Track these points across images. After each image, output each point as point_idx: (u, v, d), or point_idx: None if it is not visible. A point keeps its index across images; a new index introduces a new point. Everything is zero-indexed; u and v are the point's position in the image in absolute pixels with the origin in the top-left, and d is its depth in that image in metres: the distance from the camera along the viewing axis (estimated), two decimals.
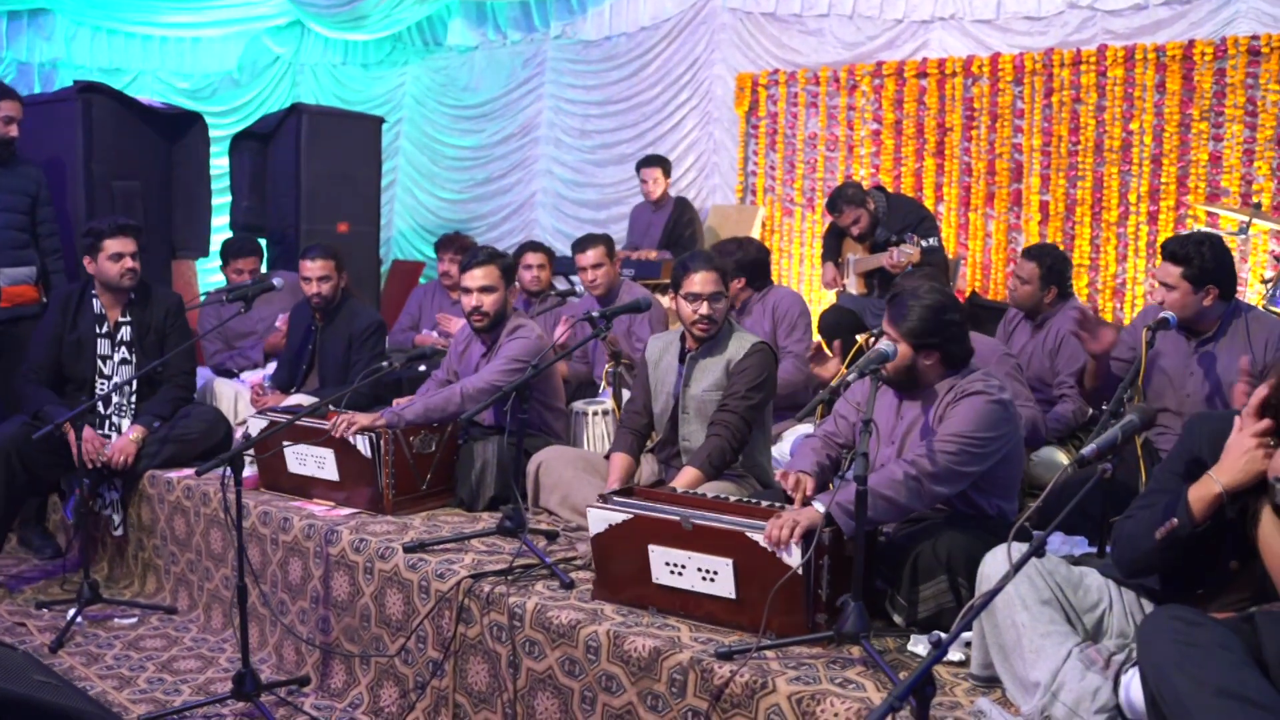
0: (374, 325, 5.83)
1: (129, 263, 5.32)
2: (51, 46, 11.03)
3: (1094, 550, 4.02)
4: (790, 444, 5.30)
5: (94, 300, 5.38)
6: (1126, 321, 7.20)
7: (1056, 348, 5.48)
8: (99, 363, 5.36)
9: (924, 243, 6.63)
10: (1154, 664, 2.37)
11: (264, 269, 7.35)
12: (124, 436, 5.23)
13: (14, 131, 5.68)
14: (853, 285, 7.13)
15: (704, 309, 4.34)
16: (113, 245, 5.26)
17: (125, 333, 5.37)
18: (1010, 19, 8.00)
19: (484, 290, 4.94)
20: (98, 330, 5.36)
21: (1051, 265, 5.55)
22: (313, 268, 5.74)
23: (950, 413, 3.52)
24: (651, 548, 3.52)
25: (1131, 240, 7.50)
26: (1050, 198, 7.83)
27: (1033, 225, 7.88)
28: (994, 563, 2.98)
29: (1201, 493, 2.60)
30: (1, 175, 5.72)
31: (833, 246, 7.38)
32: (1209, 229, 6.80)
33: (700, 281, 4.33)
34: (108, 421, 5.32)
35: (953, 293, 4.77)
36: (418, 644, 4.00)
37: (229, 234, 8.39)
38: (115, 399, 5.32)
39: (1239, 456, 2.57)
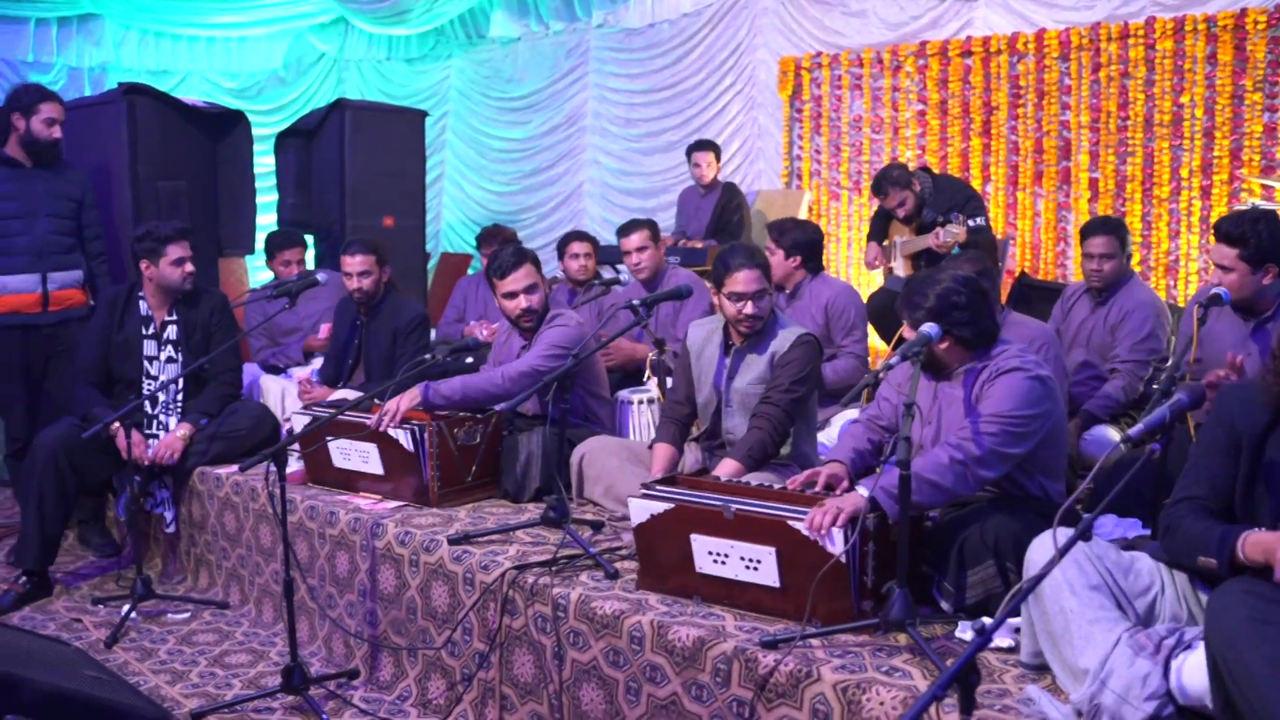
0: (418, 319, 5.83)
1: (189, 266, 5.40)
2: (100, 51, 11.18)
3: (1148, 533, 3.95)
4: (838, 430, 5.26)
5: (141, 301, 5.43)
6: (1181, 301, 7.08)
7: (1119, 322, 5.38)
8: (146, 363, 5.41)
9: (971, 222, 6.55)
10: (1224, 639, 2.31)
11: (310, 260, 7.38)
12: (171, 433, 5.28)
13: (56, 133, 5.71)
14: (900, 267, 7.07)
15: (749, 308, 4.30)
16: (175, 250, 5.34)
17: (172, 332, 5.42)
18: None
19: (529, 290, 4.90)
20: (145, 331, 5.42)
21: (1124, 234, 5.47)
22: (353, 263, 5.76)
23: (988, 392, 3.46)
24: (694, 537, 3.49)
25: (1184, 216, 7.37)
26: (1100, 175, 7.70)
27: (1082, 203, 7.76)
28: (1041, 547, 2.93)
29: (1255, 550, 2.54)
30: (47, 179, 5.77)
31: (879, 228, 7.32)
32: (1264, 203, 6.67)
33: (744, 280, 4.27)
34: (155, 420, 5.38)
35: (974, 274, 4.67)
36: (464, 636, 4.00)
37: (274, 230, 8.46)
38: (163, 397, 5.37)
39: None
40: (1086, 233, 5.52)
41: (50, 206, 5.72)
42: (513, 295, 4.90)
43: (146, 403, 5.33)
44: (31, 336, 5.73)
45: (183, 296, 5.44)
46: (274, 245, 6.93)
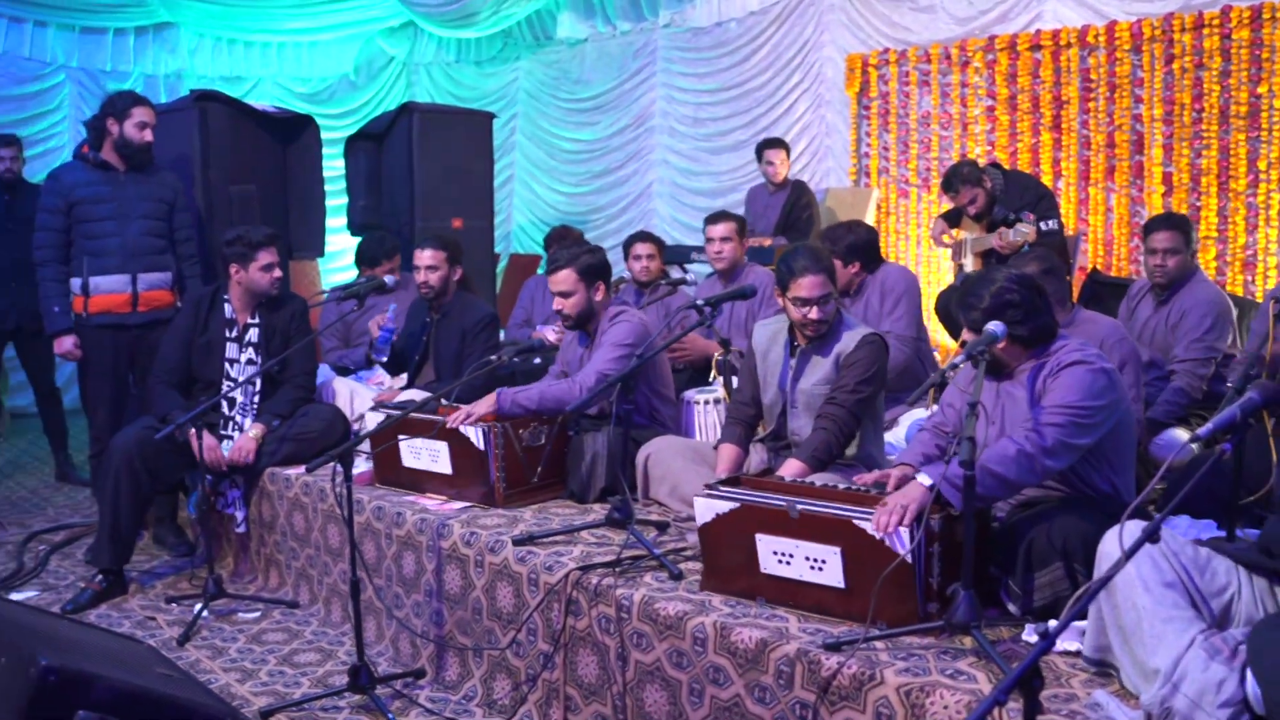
0: (487, 319, 5.86)
1: (277, 272, 5.54)
2: (176, 59, 11.37)
3: (1223, 534, 3.87)
4: (906, 430, 5.21)
5: (225, 303, 5.54)
6: (1259, 297, 6.93)
7: (1179, 321, 5.28)
8: (226, 365, 5.51)
9: (1043, 225, 6.46)
10: (1268, 680, 2.26)
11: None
12: (244, 435, 5.36)
13: (148, 136, 5.84)
14: (970, 264, 6.99)
15: (814, 314, 4.27)
16: (265, 256, 5.47)
17: (253, 334, 5.52)
18: None
19: (562, 295, 4.96)
20: (228, 333, 5.52)
21: (1189, 230, 5.37)
22: (422, 257, 5.82)
23: (1051, 385, 3.42)
24: (759, 536, 3.48)
25: (1262, 210, 7.20)
26: (1174, 169, 7.55)
27: (1155, 198, 7.62)
28: (1113, 542, 2.87)
29: None
30: (140, 183, 5.90)
31: (952, 219, 7.26)
32: None
33: (809, 286, 4.25)
34: (231, 421, 5.46)
35: (1038, 272, 4.60)
36: (528, 636, 4.01)
37: (345, 234, 8.54)
38: (240, 398, 5.46)
39: None
40: (1150, 228, 5.43)
41: (142, 209, 5.85)
42: (555, 295, 4.99)
43: (223, 403, 5.42)
44: (121, 337, 5.88)
45: (266, 300, 5.54)
46: (376, 255, 6.95)
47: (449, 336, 5.85)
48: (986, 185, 6.77)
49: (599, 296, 4.99)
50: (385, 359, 6.15)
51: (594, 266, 4.96)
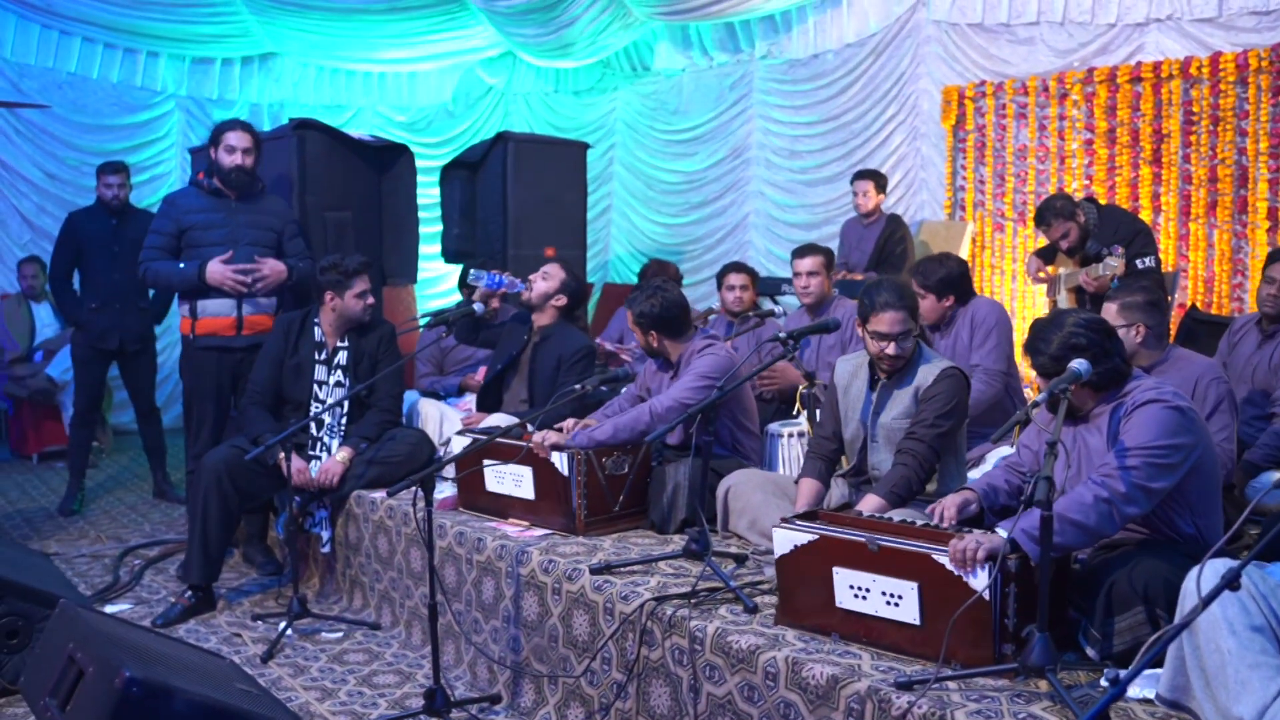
0: (584, 350, 5.88)
1: (370, 299, 5.68)
2: (280, 88, 11.66)
3: None
4: (992, 465, 5.13)
5: (316, 327, 5.65)
6: None
7: None
8: (316, 387, 5.61)
9: (1139, 262, 6.33)
10: None
11: None
12: (332, 458, 5.46)
13: (236, 160, 5.93)
14: (1064, 300, 6.87)
15: (891, 349, 4.25)
16: (359, 284, 5.63)
17: (342, 358, 5.63)
18: (1234, 16, 7.58)
19: (634, 331, 5.17)
20: (317, 356, 5.64)
21: None
22: (546, 267, 5.98)
23: (1126, 426, 3.35)
24: (836, 570, 3.45)
25: None
26: (1279, 204, 7.37)
27: (1260, 234, 7.44)
28: (1194, 583, 2.79)
29: None
30: (249, 210, 6.04)
31: (1047, 255, 7.15)
32: None
33: (889, 321, 4.23)
34: (319, 443, 5.56)
35: (1145, 302, 4.53)
36: (603, 665, 4.01)
37: (439, 261, 8.65)
38: (327, 420, 5.56)
39: None
40: (1271, 259, 5.32)
41: (250, 235, 5.99)
42: None
43: (312, 425, 5.52)
44: (225, 359, 6.02)
45: (356, 325, 5.64)
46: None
47: (546, 361, 5.89)
48: (1080, 220, 6.66)
49: (655, 343, 5.13)
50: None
51: (647, 316, 5.09)
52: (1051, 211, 6.72)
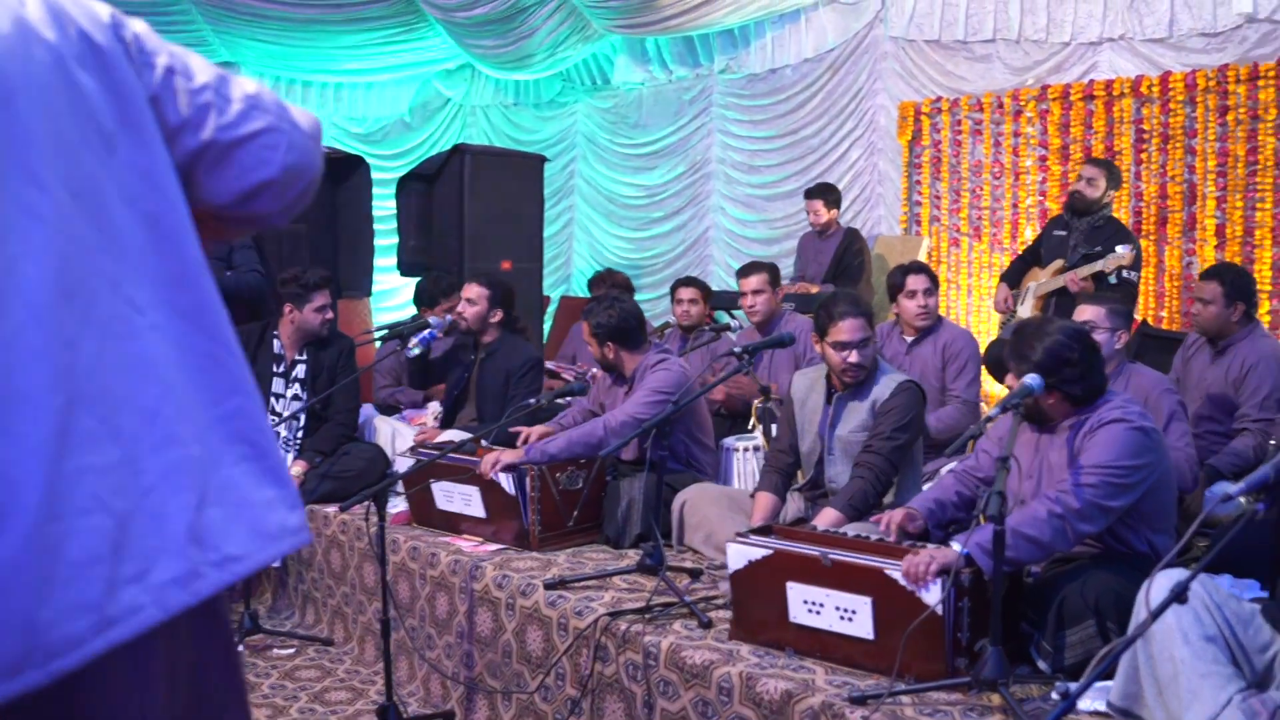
0: (531, 362, 5.89)
1: (329, 314, 5.67)
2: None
3: (1265, 595, 3.79)
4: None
5: (275, 340, 5.62)
6: None
7: (1241, 376, 5.19)
8: (273, 400, 5.57)
9: (1126, 273, 6.39)
10: None
11: None
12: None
13: None
14: (1028, 309, 6.88)
15: (852, 357, 4.27)
16: (319, 298, 5.61)
17: (300, 371, 5.60)
18: (1184, 37, 7.68)
19: (586, 343, 5.19)
20: (275, 369, 5.59)
21: (1233, 281, 5.28)
22: (467, 289, 5.96)
23: (1089, 444, 3.36)
24: (790, 585, 3.45)
25: None
26: (1227, 221, 7.46)
27: (1208, 250, 7.52)
28: (1152, 593, 2.81)
29: None
30: None
31: (1017, 271, 7.17)
32: None
33: (849, 330, 4.25)
34: None
35: (1120, 311, 4.57)
36: (557, 681, 3.99)
37: (395, 274, 8.61)
38: (283, 433, 5.51)
39: None
40: (1202, 277, 5.41)
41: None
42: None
43: None
44: None
45: (314, 339, 5.61)
46: (436, 293, 6.95)
47: (493, 377, 5.88)
48: (1111, 184, 6.68)
49: (611, 355, 5.09)
50: (412, 356, 6.10)
51: (604, 327, 5.07)
52: (1106, 163, 6.81)
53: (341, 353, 5.71)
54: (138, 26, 1.49)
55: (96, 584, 1.22)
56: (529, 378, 5.85)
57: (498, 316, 5.89)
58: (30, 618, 1.17)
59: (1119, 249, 6.28)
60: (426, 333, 5.88)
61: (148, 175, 1.41)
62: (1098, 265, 6.31)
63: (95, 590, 1.22)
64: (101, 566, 1.23)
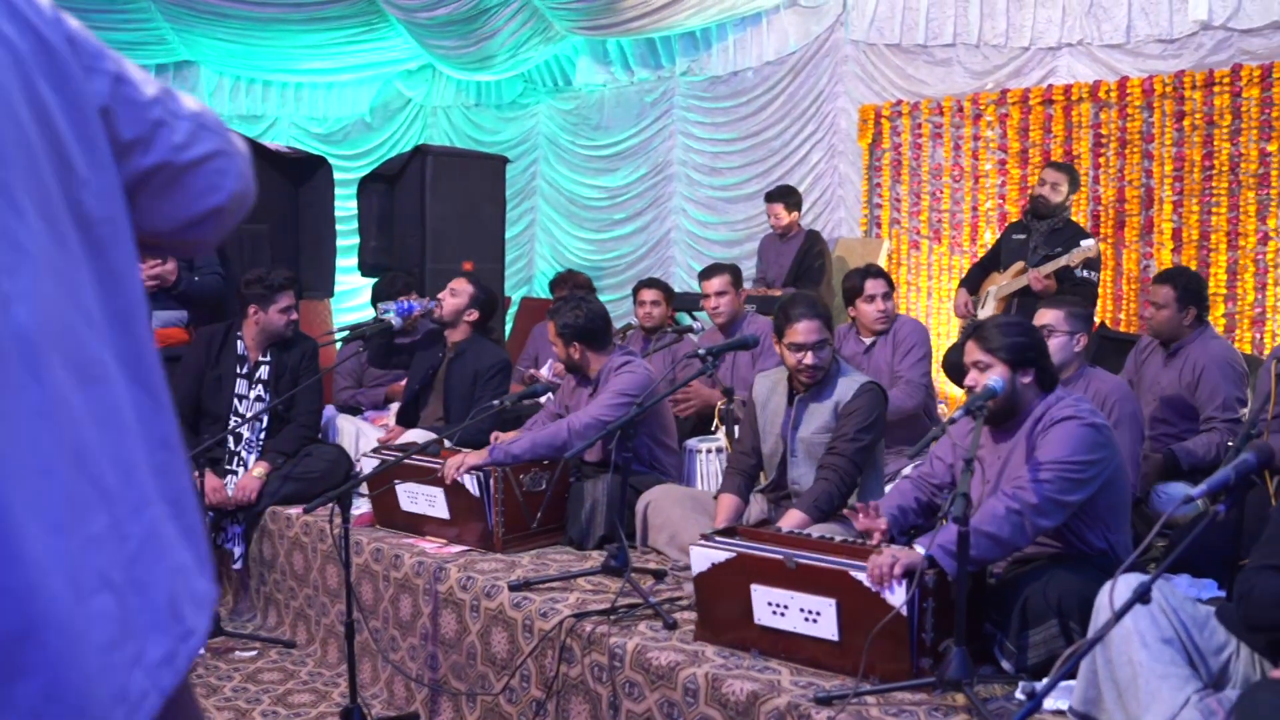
0: (500, 364, 5.89)
1: (294, 315, 5.64)
2: (195, 97, 11.44)
3: (1224, 594, 3.85)
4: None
5: (238, 340, 5.59)
6: (1267, 354, 6.90)
7: (1194, 380, 5.26)
8: (236, 401, 5.54)
9: (1087, 272, 6.46)
10: None
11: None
12: (248, 474, 5.38)
13: None
14: (989, 311, 6.93)
15: (809, 359, 4.30)
16: (283, 299, 5.57)
17: (264, 372, 5.57)
18: (1141, 43, 7.77)
19: (554, 344, 5.16)
20: (239, 370, 5.57)
21: (1186, 285, 5.34)
22: (455, 281, 5.98)
23: (1043, 441, 3.42)
24: (754, 587, 3.46)
25: (1271, 268, 7.19)
26: (1183, 225, 7.55)
27: (1165, 254, 7.61)
28: (1108, 598, 2.84)
29: None
30: None
31: (976, 277, 7.23)
32: None
33: (804, 331, 4.28)
34: (236, 457, 5.48)
35: (1081, 313, 4.63)
36: (522, 683, 3.99)
37: (356, 274, 8.58)
38: (246, 434, 5.48)
39: None
40: (1155, 281, 5.47)
41: None
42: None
43: (229, 440, 5.44)
44: None
45: (279, 340, 5.59)
46: (393, 294, 6.88)
47: (461, 377, 5.87)
48: (1075, 188, 6.88)
49: (577, 356, 5.09)
50: (386, 317, 6.04)
51: (571, 328, 5.07)
52: (1067, 167, 6.97)
53: (305, 354, 5.69)
54: (73, 21, 1.29)
55: (119, 671, 1.11)
56: (496, 380, 5.85)
57: (473, 316, 5.88)
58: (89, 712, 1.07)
59: (1083, 243, 6.37)
60: (405, 304, 5.86)
61: (102, 199, 1.26)
62: (1062, 260, 6.38)
63: (120, 678, 1.11)
64: (118, 651, 1.12)
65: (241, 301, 5.60)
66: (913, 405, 5.46)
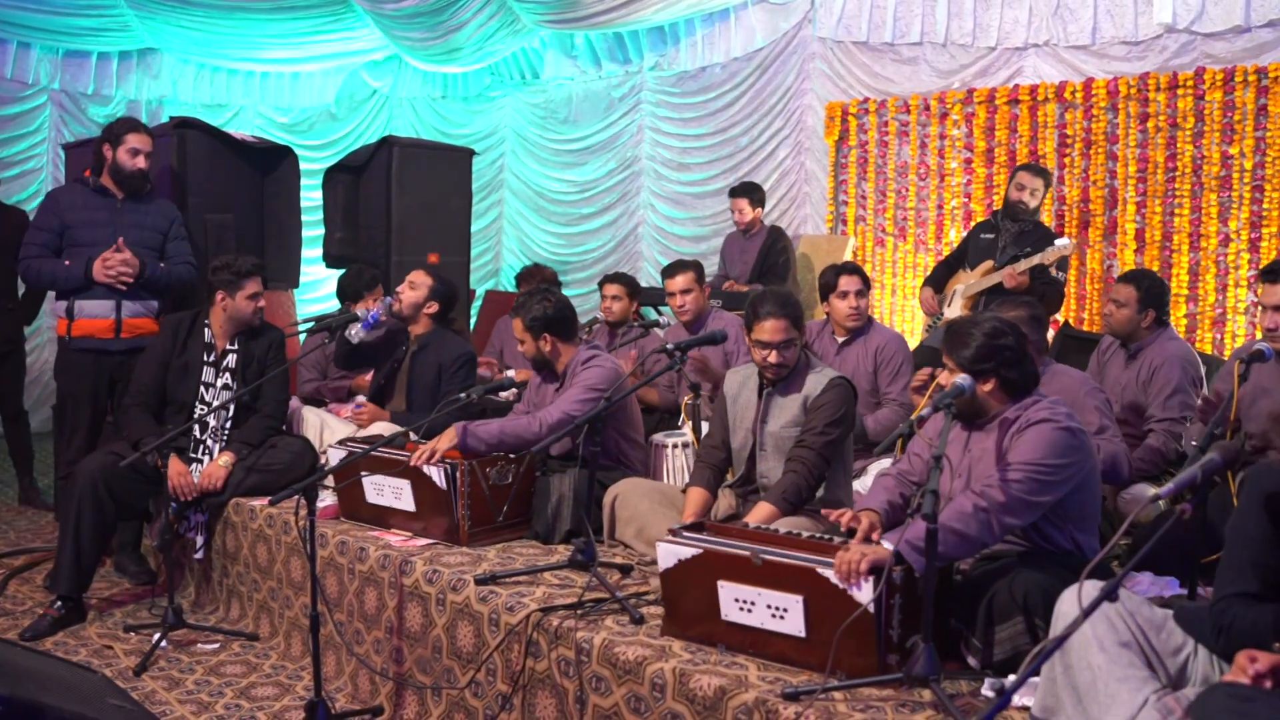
0: (465, 357, 5.86)
1: (261, 302, 5.59)
2: (158, 84, 11.36)
3: (1184, 592, 3.89)
4: (873, 478, 5.22)
5: (206, 328, 5.55)
6: (1227, 354, 6.97)
7: (1149, 378, 5.31)
8: (202, 389, 5.50)
9: (1055, 271, 6.50)
10: None
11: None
12: (214, 462, 5.34)
13: (140, 163, 5.86)
14: (956, 310, 6.96)
15: (773, 357, 4.32)
16: (251, 286, 5.53)
17: (231, 361, 5.53)
18: (1106, 45, 7.83)
19: (519, 341, 5.12)
20: (206, 358, 5.52)
21: (1149, 288, 5.39)
22: (413, 274, 5.94)
23: (1017, 442, 3.44)
24: (721, 583, 3.47)
25: (1232, 269, 7.27)
26: (1146, 226, 7.62)
27: (1128, 254, 7.68)
28: (1070, 600, 2.86)
29: None
30: (135, 211, 5.92)
31: (942, 276, 7.26)
32: None
33: (770, 330, 4.30)
34: (202, 445, 5.44)
35: (1026, 317, 4.63)
36: (488, 677, 3.98)
37: (320, 265, 8.51)
38: (212, 423, 5.44)
39: None
40: (1119, 280, 5.52)
41: (134, 236, 5.84)
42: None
43: (196, 428, 5.40)
44: (103, 362, 5.88)
45: (246, 329, 5.55)
46: (360, 286, 6.83)
47: (426, 369, 5.84)
48: (1048, 191, 6.94)
49: (548, 348, 5.07)
50: (357, 341, 6.05)
51: (540, 319, 5.05)
52: (1042, 171, 7.00)
53: (272, 344, 5.65)
54: None
55: None
56: (462, 373, 5.82)
57: (433, 308, 5.84)
58: None
59: (1058, 242, 6.42)
60: (370, 314, 5.84)
61: None
62: (1036, 259, 6.42)
63: None
64: None
65: (209, 288, 5.56)
66: (897, 423, 5.46)
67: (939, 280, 7.27)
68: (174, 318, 5.67)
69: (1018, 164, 8.03)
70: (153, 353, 5.58)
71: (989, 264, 6.82)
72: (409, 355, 5.92)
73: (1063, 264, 6.74)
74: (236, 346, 5.55)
